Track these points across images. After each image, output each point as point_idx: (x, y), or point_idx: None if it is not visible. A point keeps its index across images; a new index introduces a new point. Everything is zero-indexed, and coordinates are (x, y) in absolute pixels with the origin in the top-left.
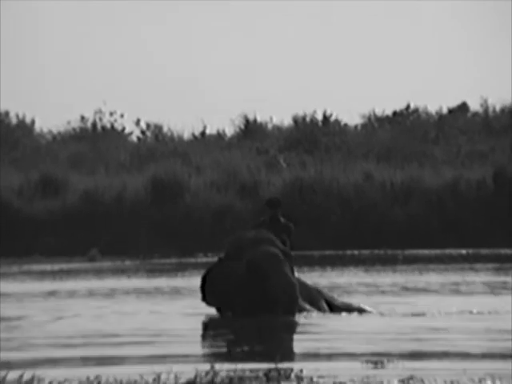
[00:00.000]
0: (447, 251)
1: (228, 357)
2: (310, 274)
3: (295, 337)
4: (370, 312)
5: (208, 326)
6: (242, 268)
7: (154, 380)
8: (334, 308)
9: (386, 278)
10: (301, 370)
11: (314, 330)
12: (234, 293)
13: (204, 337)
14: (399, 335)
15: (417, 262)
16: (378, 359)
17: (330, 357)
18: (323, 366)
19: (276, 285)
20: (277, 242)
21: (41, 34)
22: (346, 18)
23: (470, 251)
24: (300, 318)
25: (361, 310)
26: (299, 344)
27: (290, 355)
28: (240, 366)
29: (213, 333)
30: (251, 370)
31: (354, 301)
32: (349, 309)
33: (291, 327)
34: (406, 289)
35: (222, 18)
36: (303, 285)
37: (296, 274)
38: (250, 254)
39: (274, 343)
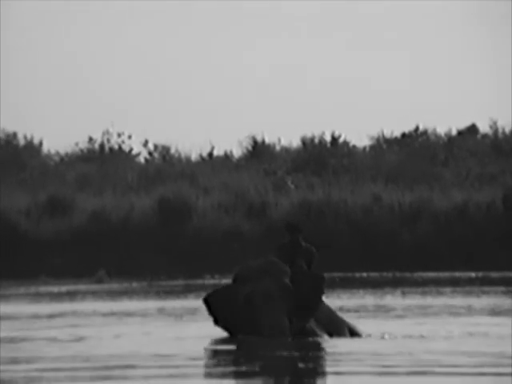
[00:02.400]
0: (456, 274)
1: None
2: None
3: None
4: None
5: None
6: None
7: None
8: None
9: (394, 301)
10: None
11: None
12: (237, 317)
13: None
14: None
15: (426, 284)
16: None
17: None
18: None
19: (265, 325)
20: (284, 273)
21: (50, 56)
22: (354, 39)
23: (479, 274)
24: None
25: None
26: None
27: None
28: None
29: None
30: None
31: (364, 324)
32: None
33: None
34: (413, 311)
35: (230, 37)
36: (327, 312)
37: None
38: (249, 288)
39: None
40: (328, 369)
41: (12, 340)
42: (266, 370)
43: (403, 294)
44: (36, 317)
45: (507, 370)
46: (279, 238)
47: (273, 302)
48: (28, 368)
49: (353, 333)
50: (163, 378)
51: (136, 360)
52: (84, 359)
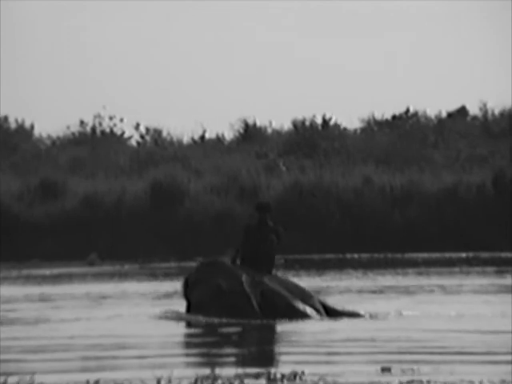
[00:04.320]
0: (447, 255)
1: (228, 361)
2: (310, 278)
3: (292, 342)
4: (362, 316)
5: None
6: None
7: None
8: (329, 311)
9: (385, 282)
10: (302, 372)
11: (308, 338)
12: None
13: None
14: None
15: (417, 265)
16: (376, 362)
17: (328, 361)
18: (323, 370)
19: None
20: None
21: (40, 39)
22: (345, 22)
23: (470, 255)
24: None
25: (353, 314)
26: (296, 349)
27: (286, 359)
28: (240, 370)
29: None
30: (251, 374)
31: (353, 305)
32: (342, 312)
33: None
34: (404, 292)
35: (220, 23)
36: (297, 287)
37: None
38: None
39: (272, 348)
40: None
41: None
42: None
43: (395, 274)
44: (26, 299)
45: (499, 349)
46: (248, 219)
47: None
48: None
49: (325, 308)
50: (156, 362)
51: (127, 340)
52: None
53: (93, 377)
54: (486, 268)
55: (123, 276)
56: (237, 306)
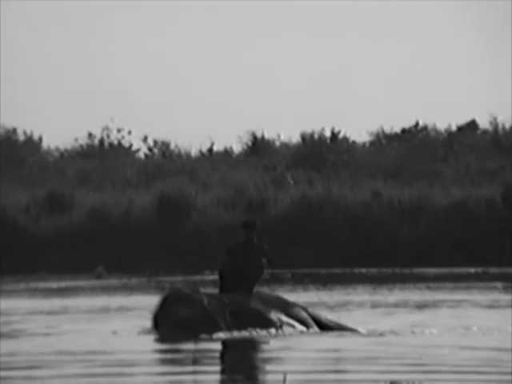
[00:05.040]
0: (456, 270)
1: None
2: (317, 292)
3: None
4: (359, 332)
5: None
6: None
7: None
8: (323, 326)
9: (392, 297)
10: None
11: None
12: None
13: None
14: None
15: (425, 280)
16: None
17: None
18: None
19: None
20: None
21: (49, 52)
22: (356, 36)
23: (479, 270)
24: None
25: (349, 330)
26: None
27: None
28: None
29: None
30: None
31: (355, 318)
32: (338, 327)
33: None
34: (411, 307)
35: (230, 36)
36: (279, 300)
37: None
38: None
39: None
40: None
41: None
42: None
43: (402, 289)
44: (32, 312)
45: (506, 365)
46: (235, 237)
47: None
48: None
49: (318, 323)
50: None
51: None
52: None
53: None
54: (494, 283)
55: (130, 289)
56: (202, 330)
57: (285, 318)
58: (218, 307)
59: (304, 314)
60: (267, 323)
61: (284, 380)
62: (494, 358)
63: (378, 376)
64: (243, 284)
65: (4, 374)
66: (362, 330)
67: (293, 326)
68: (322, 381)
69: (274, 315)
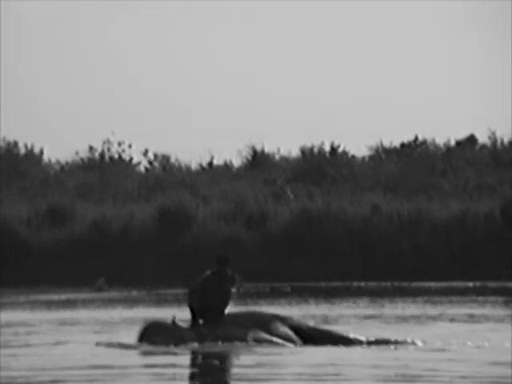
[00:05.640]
0: (454, 284)
1: None
2: (317, 306)
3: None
4: (351, 340)
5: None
6: None
7: None
8: (305, 336)
9: (390, 311)
10: None
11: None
12: None
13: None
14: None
15: (423, 294)
16: None
17: None
18: None
19: None
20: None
21: (50, 65)
22: (355, 50)
23: (478, 284)
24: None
25: (342, 339)
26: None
27: None
28: None
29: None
30: None
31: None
32: (320, 335)
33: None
34: (409, 321)
35: (230, 48)
36: (265, 320)
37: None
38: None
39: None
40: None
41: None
42: None
43: (401, 303)
44: (32, 325)
45: (504, 380)
46: (209, 267)
47: None
48: None
49: (300, 332)
50: None
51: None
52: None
53: None
54: (493, 297)
55: (130, 302)
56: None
57: (263, 337)
58: (197, 336)
59: (284, 328)
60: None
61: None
62: (492, 372)
63: None
64: (213, 311)
65: None
66: (352, 336)
67: (272, 343)
68: None
69: (252, 337)
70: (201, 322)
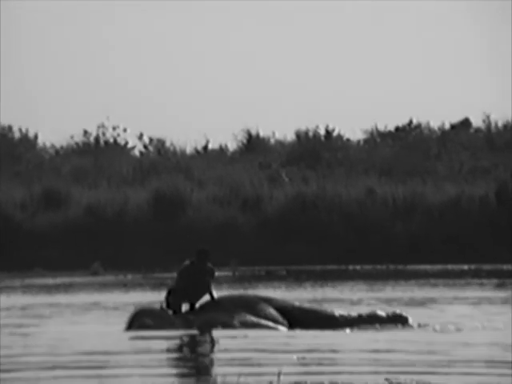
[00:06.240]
0: (449, 267)
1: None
2: (313, 289)
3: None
4: (337, 318)
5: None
6: None
7: None
8: (290, 316)
9: (386, 293)
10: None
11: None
12: None
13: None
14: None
15: (418, 277)
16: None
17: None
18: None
19: None
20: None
21: (44, 49)
22: (350, 35)
23: (472, 267)
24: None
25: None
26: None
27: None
28: (241, 379)
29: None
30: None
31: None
32: (302, 313)
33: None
34: (405, 303)
35: (224, 34)
36: (251, 303)
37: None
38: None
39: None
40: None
41: None
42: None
43: (396, 286)
44: (26, 309)
45: (502, 361)
46: (187, 258)
47: None
48: None
49: (285, 312)
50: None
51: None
52: None
53: None
54: (488, 280)
55: (126, 286)
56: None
57: (250, 320)
58: (184, 323)
59: (269, 310)
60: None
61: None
62: (487, 353)
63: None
64: (191, 298)
65: None
66: (334, 311)
67: (260, 326)
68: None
69: (239, 320)
70: (184, 308)
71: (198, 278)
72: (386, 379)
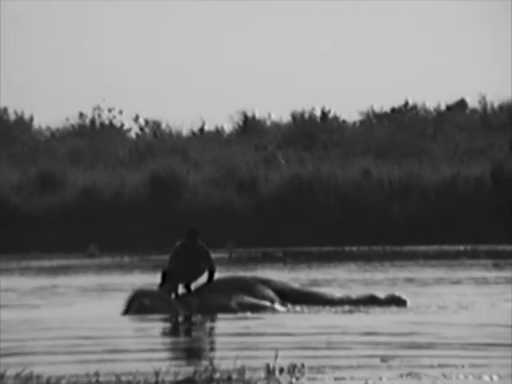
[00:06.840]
0: (445, 247)
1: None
2: (309, 270)
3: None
4: (335, 300)
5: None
6: None
7: (155, 375)
8: (287, 297)
9: (381, 274)
10: (302, 365)
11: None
12: None
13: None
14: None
15: (415, 258)
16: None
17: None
18: (321, 363)
19: None
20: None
21: (39, 32)
22: (345, 16)
23: (468, 247)
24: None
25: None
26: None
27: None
28: (238, 362)
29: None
30: (250, 368)
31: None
32: (299, 295)
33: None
34: (400, 284)
35: (220, 17)
36: (248, 284)
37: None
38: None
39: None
40: None
41: None
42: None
43: (392, 267)
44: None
45: (498, 342)
46: (180, 238)
47: None
48: None
49: (284, 294)
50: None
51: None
52: None
53: (92, 368)
54: (484, 261)
55: (122, 268)
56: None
57: (248, 301)
58: (182, 304)
59: (267, 291)
60: (231, 312)
61: None
62: (486, 333)
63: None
64: (186, 279)
65: None
66: (329, 293)
67: (257, 307)
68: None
69: (237, 302)
70: (180, 290)
71: (191, 257)
72: (382, 360)
